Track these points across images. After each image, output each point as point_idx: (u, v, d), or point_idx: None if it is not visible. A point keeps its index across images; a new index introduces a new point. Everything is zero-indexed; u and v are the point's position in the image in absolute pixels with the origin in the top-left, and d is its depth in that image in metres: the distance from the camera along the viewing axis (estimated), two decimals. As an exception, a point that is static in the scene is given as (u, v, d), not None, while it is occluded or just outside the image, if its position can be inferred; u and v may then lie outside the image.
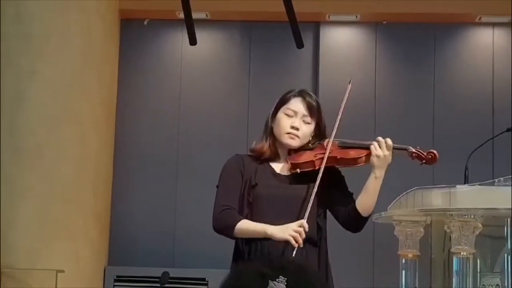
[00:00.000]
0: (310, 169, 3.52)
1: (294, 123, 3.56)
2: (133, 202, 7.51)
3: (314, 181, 3.46)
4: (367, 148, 3.53)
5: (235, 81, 7.67)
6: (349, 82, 3.67)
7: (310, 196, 3.44)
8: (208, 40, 7.66)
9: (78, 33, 6.64)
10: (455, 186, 4.52)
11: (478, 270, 4.70)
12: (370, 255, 7.25)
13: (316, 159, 3.53)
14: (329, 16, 7.58)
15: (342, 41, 7.70)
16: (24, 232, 6.22)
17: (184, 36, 6.93)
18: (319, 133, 3.63)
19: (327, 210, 3.61)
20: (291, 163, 3.56)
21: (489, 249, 4.77)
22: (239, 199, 3.53)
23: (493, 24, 7.60)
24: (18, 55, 6.40)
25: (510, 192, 4.34)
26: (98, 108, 6.95)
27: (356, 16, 7.59)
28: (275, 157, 3.62)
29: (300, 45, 3.29)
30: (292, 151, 3.61)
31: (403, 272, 4.90)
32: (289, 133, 3.56)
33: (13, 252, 6.16)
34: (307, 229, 3.37)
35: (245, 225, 3.46)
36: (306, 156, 3.56)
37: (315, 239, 3.52)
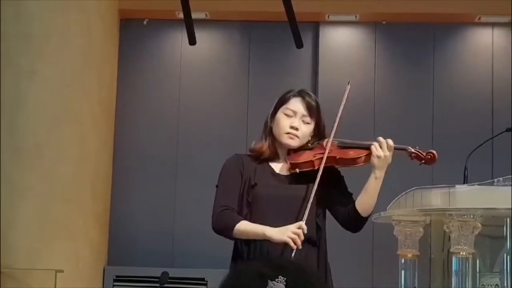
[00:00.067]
0: (309, 169, 3.53)
1: (294, 123, 3.57)
2: (133, 202, 7.51)
3: (314, 181, 3.46)
4: (367, 148, 3.53)
5: (235, 81, 7.67)
6: (348, 83, 3.66)
7: (310, 196, 3.44)
8: (207, 40, 7.66)
9: (78, 33, 6.64)
10: (454, 186, 4.52)
11: (478, 270, 4.70)
12: (370, 255, 7.25)
13: (316, 159, 3.53)
14: (328, 16, 7.59)
15: (341, 41, 7.70)
16: (23, 232, 6.22)
17: (183, 36, 6.91)
18: (319, 133, 3.63)
19: (327, 210, 3.62)
20: (291, 163, 3.56)
21: (489, 249, 4.77)
22: (238, 199, 3.53)
23: (493, 24, 7.60)
24: (18, 55, 6.40)
25: (510, 192, 4.34)
26: (97, 108, 6.95)
27: (356, 16, 7.59)
28: (275, 157, 3.62)
29: (299, 45, 3.29)
30: (292, 151, 3.61)
31: (402, 272, 4.90)
32: (288, 133, 3.57)
33: (13, 252, 6.16)
34: (305, 231, 3.37)
35: (244, 227, 3.46)
36: (306, 156, 3.56)
37: (314, 239, 3.52)
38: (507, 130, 5.72)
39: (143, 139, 7.60)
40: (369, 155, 3.51)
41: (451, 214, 4.48)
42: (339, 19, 7.63)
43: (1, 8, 6.38)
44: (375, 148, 3.48)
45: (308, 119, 3.58)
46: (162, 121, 7.60)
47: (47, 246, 6.26)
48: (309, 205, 3.42)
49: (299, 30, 3.22)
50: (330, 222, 3.63)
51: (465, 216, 4.46)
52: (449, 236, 4.58)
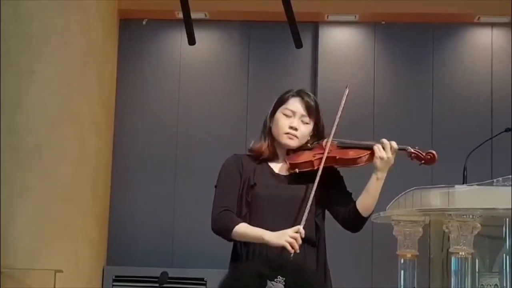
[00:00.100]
0: (308, 169, 3.52)
1: (293, 123, 3.56)
2: (132, 202, 7.51)
3: (313, 181, 3.45)
4: (366, 148, 3.53)
5: (234, 81, 7.67)
6: (346, 88, 3.65)
7: (309, 196, 3.44)
8: (207, 40, 7.66)
9: (77, 33, 6.64)
10: (453, 186, 4.52)
11: (477, 270, 4.70)
12: (369, 255, 7.25)
13: (315, 159, 3.53)
14: (328, 16, 7.59)
15: (341, 41, 7.70)
16: (23, 232, 6.22)
17: (183, 36, 6.93)
18: (318, 133, 3.62)
19: (326, 210, 3.62)
20: (290, 163, 3.56)
21: (488, 249, 4.77)
22: (237, 199, 3.53)
23: (492, 24, 7.60)
24: (17, 55, 6.40)
25: (509, 192, 4.34)
26: (97, 108, 6.95)
27: (355, 16, 7.59)
28: (274, 157, 3.62)
29: (299, 45, 3.29)
30: (291, 151, 3.60)
31: (402, 272, 4.90)
32: (287, 133, 3.56)
33: (13, 252, 6.16)
34: (303, 235, 3.37)
35: (243, 229, 3.45)
36: (305, 156, 3.56)
37: (313, 239, 3.52)
38: (506, 130, 5.73)
39: (142, 139, 7.60)
40: (369, 155, 3.51)
41: (450, 214, 4.48)
42: (339, 19, 7.63)
43: (1, 8, 6.38)
44: (378, 149, 3.48)
45: (307, 119, 3.58)
46: (161, 121, 7.60)
47: (46, 246, 6.26)
48: (308, 205, 3.42)
49: (298, 30, 3.22)
50: (330, 222, 3.63)
51: (465, 216, 4.46)
52: (449, 236, 4.58)
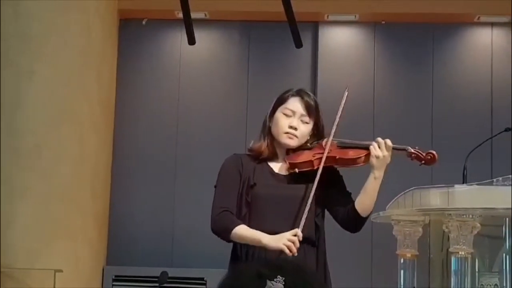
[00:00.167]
0: (308, 169, 3.52)
1: (292, 123, 3.56)
2: (132, 202, 7.51)
3: (313, 181, 3.45)
4: (366, 148, 3.52)
5: (234, 81, 7.67)
6: (346, 90, 3.65)
7: (309, 196, 3.44)
8: (207, 40, 7.66)
9: (77, 33, 6.64)
10: (453, 186, 4.52)
11: (477, 270, 4.70)
12: (369, 255, 7.25)
13: (315, 159, 3.53)
14: (328, 16, 7.59)
15: (341, 41, 7.70)
16: (23, 232, 6.22)
17: (183, 36, 6.93)
18: (317, 133, 3.62)
19: (325, 210, 3.61)
20: (290, 163, 3.55)
21: (488, 248, 4.77)
22: (237, 199, 3.53)
23: (492, 24, 7.60)
24: (17, 55, 6.40)
25: (509, 192, 4.34)
26: (97, 108, 6.95)
27: (355, 16, 7.59)
28: (273, 157, 3.62)
29: (299, 45, 3.29)
30: (291, 151, 3.60)
31: (402, 271, 4.90)
32: (287, 132, 3.56)
33: (12, 252, 6.16)
34: (301, 238, 3.37)
35: (242, 232, 3.45)
36: (305, 156, 3.55)
37: (313, 239, 3.52)
38: (506, 130, 5.73)
39: (142, 139, 7.60)
40: (367, 155, 3.51)
41: (450, 214, 4.48)
42: (339, 19, 7.64)
43: (1, 8, 6.38)
44: (374, 148, 3.48)
45: (307, 118, 3.58)
46: (161, 121, 7.60)
47: (46, 246, 6.26)
48: (308, 205, 3.42)
49: (298, 30, 3.21)
50: (329, 222, 3.63)
51: (464, 216, 4.46)
52: (448, 236, 4.58)
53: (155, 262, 7.27)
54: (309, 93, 3.67)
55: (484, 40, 7.61)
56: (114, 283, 7.19)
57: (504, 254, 4.69)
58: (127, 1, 7.53)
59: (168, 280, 6.85)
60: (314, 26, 7.63)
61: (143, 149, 7.58)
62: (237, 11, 7.54)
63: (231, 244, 3.58)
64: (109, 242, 7.46)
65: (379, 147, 3.48)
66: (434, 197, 4.52)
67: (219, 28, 7.71)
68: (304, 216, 3.39)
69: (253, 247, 3.47)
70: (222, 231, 3.49)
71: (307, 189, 3.49)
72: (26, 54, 6.41)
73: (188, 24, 3.15)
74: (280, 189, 3.54)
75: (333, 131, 3.57)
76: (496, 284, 4.69)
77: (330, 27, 7.68)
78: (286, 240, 3.36)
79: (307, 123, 3.58)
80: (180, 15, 3.32)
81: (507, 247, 4.68)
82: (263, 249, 3.43)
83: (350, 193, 3.60)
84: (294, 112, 3.57)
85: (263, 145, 3.60)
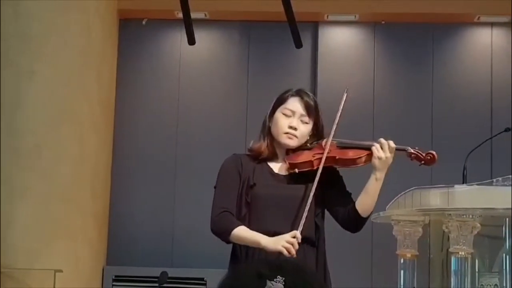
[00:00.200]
0: (308, 169, 3.52)
1: (292, 123, 3.56)
2: (132, 202, 7.51)
3: (312, 181, 3.45)
4: (366, 148, 3.52)
5: (234, 81, 7.67)
6: (345, 91, 3.64)
7: (308, 196, 3.44)
8: (206, 40, 7.66)
9: (77, 33, 6.64)
10: (453, 186, 4.52)
11: (477, 270, 4.70)
12: (369, 255, 7.25)
13: (315, 159, 3.52)
14: (327, 16, 7.59)
15: (340, 41, 7.70)
16: (23, 232, 6.22)
17: (182, 36, 6.93)
18: (317, 133, 3.62)
19: (325, 210, 3.61)
20: (289, 163, 3.55)
21: (488, 249, 4.77)
22: (237, 199, 3.52)
23: (492, 24, 7.60)
24: (17, 55, 6.40)
25: (509, 192, 4.34)
26: (97, 108, 6.95)
27: (355, 16, 7.59)
28: (273, 157, 3.61)
29: (298, 45, 3.28)
30: (290, 151, 3.60)
31: (402, 272, 4.90)
32: (287, 133, 3.56)
33: (12, 252, 6.16)
34: (300, 240, 3.36)
35: (241, 233, 3.45)
36: (305, 156, 3.55)
37: (313, 239, 3.51)
38: (506, 130, 5.73)
39: (142, 139, 7.60)
40: (369, 155, 3.50)
41: (450, 214, 4.48)
42: (338, 19, 7.64)
43: (1, 8, 6.38)
44: (376, 149, 3.47)
45: (306, 118, 3.58)
46: (161, 121, 7.60)
47: (46, 246, 6.26)
48: (308, 205, 3.41)
49: (298, 30, 3.21)
50: (329, 222, 3.63)
51: (464, 216, 4.46)
52: (448, 236, 4.58)
53: (155, 262, 7.27)
54: (309, 93, 3.66)
55: (484, 40, 7.61)
56: (114, 283, 7.19)
57: (504, 254, 4.70)
58: (127, 1, 7.54)
59: (168, 280, 6.85)
60: (314, 26, 7.63)
61: (143, 149, 7.58)
62: (237, 11, 7.54)
63: (231, 244, 3.58)
64: (109, 242, 7.46)
65: (381, 148, 3.47)
66: (434, 197, 4.52)
67: (219, 28, 7.71)
68: (304, 216, 3.39)
69: (253, 247, 3.46)
70: (222, 232, 3.49)
71: (307, 189, 3.48)
72: (26, 54, 6.41)
73: (188, 24, 3.15)
74: (280, 189, 3.54)
75: (332, 131, 3.57)
76: (496, 284, 4.69)
77: (330, 27, 7.68)
78: (284, 242, 3.35)
79: (306, 123, 3.58)
80: (180, 15, 3.32)
81: (507, 247, 4.68)
82: (263, 250, 3.43)
83: (350, 193, 3.60)
84: (293, 112, 3.57)
85: (263, 145, 3.60)
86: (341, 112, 3.59)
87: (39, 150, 6.33)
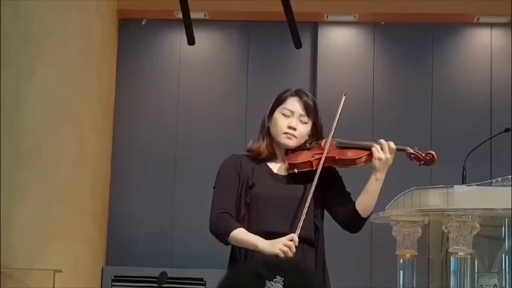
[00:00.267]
0: (307, 169, 3.51)
1: (291, 123, 3.55)
2: (131, 202, 7.51)
3: (312, 181, 3.44)
4: (365, 148, 3.52)
5: (234, 81, 7.67)
6: (344, 95, 3.64)
7: (308, 196, 3.43)
8: (206, 40, 7.66)
9: (77, 33, 6.65)
10: (452, 186, 4.52)
11: (476, 270, 4.70)
12: (368, 255, 7.25)
13: (314, 159, 3.52)
14: (327, 16, 7.59)
15: (340, 41, 7.70)
16: (22, 232, 6.22)
17: (182, 36, 6.94)
18: (316, 133, 3.62)
19: (325, 211, 3.61)
20: (289, 163, 3.55)
21: (487, 249, 4.77)
22: (236, 200, 3.52)
23: (491, 24, 7.61)
24: (17, 55, 6.40)
25: (508, 193, 4.34)
26: (96, 108, 6.96)
27: (355, 16, 7.59)
28: (272, 157, 3.61)
29: (298, 45, 3.28)
30: (289, 151, 3.60)
31: (401, 272, 4.91)
32: (286, 133, 3.55)
33: (12, 252, 6.16)
34: (297, 243, 3.36)
35: (239, 235, 3.44)
36: (304, 156, 3.55)
37: (312, 240, 3.51)
38: (505, 131, 5.74)
39: (142, 139, 7.60)
40: (368, 156, 3.50)
41: (449, 215, 4.49)
42: (338, 19, 7.64)
43: (1, 8, 6.38)
44: (377, 150, 3.46)
45: (305, 118, 3.57)
46: (161, 121, 7.61)
47: (46, 246, 6.27)
48: (307, 205, 3.41)
49: (298, 30, 3.21)
50: (329, 223, 3.63)
51: (464, 217, 4.47)
52: (448, 237, 4.59)
53: (154, 262, 7.27)
54: (308, 93, 3.66)
55: (483, 41, 7.61)
56: (113, 283, 7.19)
57: (503, 255, 4.70)
58: (126, 1, 7.54)
59: (168, 280, 6.85)
60: (314, 26, 7.64)
61: (143, 149, 7.58)
62: (236, 11, 7.54)
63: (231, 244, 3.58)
64: (109, 242, 7.46)
65: (382, 149, 3.47)
66: (434, 198, 4.52)
67: (219, 28, 7.71)
68: (303, 217, 3.38)
69: (252, 248, 3.47)
70: (220, 234, 3.48)
71: (306, 189, 3.48)
72: (26, 54, 6.41)
73: (188, 24, 3.15)
74: (279, 189, 3.53)
75: (332, 131, 3.56)
76: (495, 285, 4.69)
77: (330, 28, 7.68)
78: (282, 245, 3.35)
79: (306, 123, 3.58)
80: (180, 15, 3.32)
81: (506, 247, 4.68)
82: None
83: (350, 193, 3.60)
84: (292, 112, 3.57)
85: (262, 145, 3.60)
86: (339, 115, 3.58)
87: (39, 150, 6.33)
